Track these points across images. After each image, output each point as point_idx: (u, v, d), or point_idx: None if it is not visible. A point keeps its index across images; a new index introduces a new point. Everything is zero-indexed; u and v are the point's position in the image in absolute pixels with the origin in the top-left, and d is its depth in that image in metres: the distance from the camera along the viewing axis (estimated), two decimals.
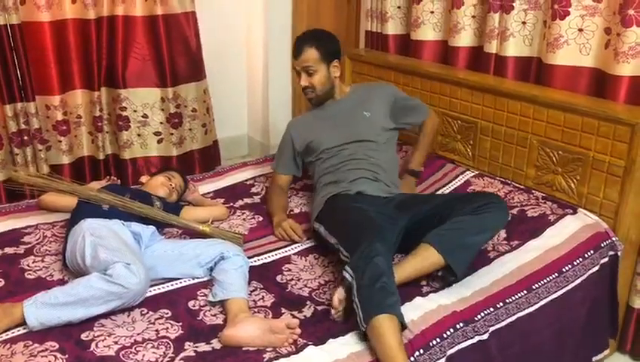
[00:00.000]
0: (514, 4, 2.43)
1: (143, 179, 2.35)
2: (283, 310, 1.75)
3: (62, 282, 1.85)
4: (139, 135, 3.07)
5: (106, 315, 1.65)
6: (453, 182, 2.48)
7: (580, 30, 2.26)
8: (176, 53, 3.08)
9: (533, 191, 2.29)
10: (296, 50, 2.28)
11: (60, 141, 2.90)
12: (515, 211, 2.17)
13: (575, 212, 2.14)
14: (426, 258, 1.80)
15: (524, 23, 2.44)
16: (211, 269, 1.87)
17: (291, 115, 3.64)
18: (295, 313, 1.74)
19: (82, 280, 1.64)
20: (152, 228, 1.99)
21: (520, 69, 2.50)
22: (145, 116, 3.06)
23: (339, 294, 1.67)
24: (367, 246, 1.67)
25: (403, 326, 1.58)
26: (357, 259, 1.66)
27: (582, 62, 2.28)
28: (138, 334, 1.61)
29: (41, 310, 1.59)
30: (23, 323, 1.59)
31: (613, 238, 2.07)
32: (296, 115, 3.61)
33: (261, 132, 3.71)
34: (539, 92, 2.30)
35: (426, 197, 2.33)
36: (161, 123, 3.11)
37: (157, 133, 3.11)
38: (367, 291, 1.58)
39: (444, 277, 1.83)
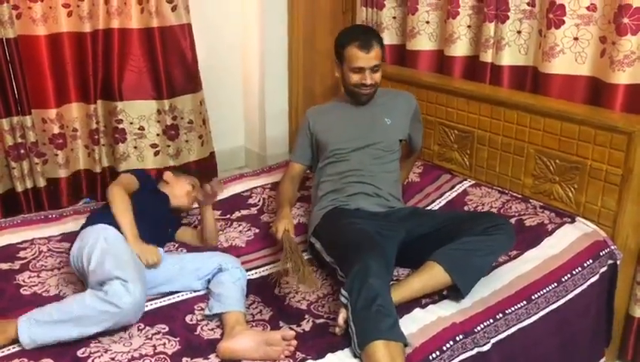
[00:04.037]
0: (509, 14, 2.43)
1: (167, 177, 2.28)
2: (281, 323, 1.74)
3: (58, 298, 1.83)
4: (135, 147, 3.06)
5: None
6: (451, 191, 2.47)
7: (576, 39, 2.26)
8: (172, 65, 3.07)
9: (531, 201, 2.29)
10: (367, 45, 2.13)
11: (57, 154, 2.89)
12: (513, 221, 2.17)
13: (573, 221, 2.14)
14: (433, 276, 1.79)
15: (519, 32, 2.45)
16: (209, 281, 1.86)
17: (288, 125, 3.64)
18: (293, 326, 1.73)
19: (77, 297, 1.63)
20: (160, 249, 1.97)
21: (516, 78, 2.50)
22: (141, 128, 3.05)
23: (343, 314, 1.64)
24: (362, 266, 1.64)
25: (406, 344, 1.56)
26: (351, 280, 1.63)
27: (578, 71, 2.29)
28: (135, 350, 1.59)
29: (35, 328, 1.57)
30: (17, 340, 1.58)
31: (612, 247, 2.07)
32: (292, 126, 3.61)
33: (258, 143, 3.70)
34: (535, 101, 2.31)
35: (429, 212, 2.31)
36: (158, 135, 3.10)
37: (153, 145, 3.10)
38: (361, 315, 1.56)
39: (448, 297, 1.81)
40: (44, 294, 1.86)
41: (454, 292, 1.80)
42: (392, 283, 1.89)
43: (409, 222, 2.05)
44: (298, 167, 2.37)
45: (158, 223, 2.08)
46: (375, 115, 2.29)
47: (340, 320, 1.64)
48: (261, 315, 1.78)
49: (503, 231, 1.88)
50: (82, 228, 1.94)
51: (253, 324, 1.73)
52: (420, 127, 2.46)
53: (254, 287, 1.90)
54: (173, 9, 2.99)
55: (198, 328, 1.72)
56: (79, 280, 1.92)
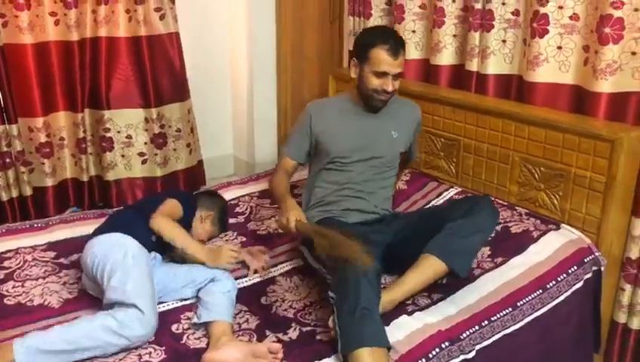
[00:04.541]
0: (494, 23, 2.46)
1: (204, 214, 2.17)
2: (268, 332, 1.74)
3: (42, 308, 1.82)
4: (123, 156, 3.05)
5: None
6: (437, 199, 2.49)
7: (559, 48, 2.29)
8: (160, 74, 3.07)
9: (517, 208, 2.30)
10: (396, 51, 1.99)
11: (43, 163, 2.87)
12: (498, 228, 2.18)
13: (558, 228, 2.16)
14: (428, 267, 1.80)
15: (504, 41, 2.47)
16: (199, 291, 1.86)
17: (277, 134, 3.64)
18: (280, 335, 1.72)
19: (84, 327, 1.56)
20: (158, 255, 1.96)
21: (501, 87, 2.53)
22: (129, 137, 3.04)
23: (333, 316, 1.63)
24: (350, 268, 1.64)
25: (389, 348, 1.57)
26: (338, 282, 1.64)
27: (562, 80, 2.31)
28: (120, 359, 1.58)
29: (34, 356, 1.50)
30: None
31: (597, 254, 2.09)
32: (281, 134, 3.61)
33: (246, 151, 3.70)
34: (520, 109, 2.33)
35: (411, 212, 2.34)
36: (146, 143, 3.09)
37: (141, 154, 3.09)
38: (347, 319, 1.56)
39: (448, 284, 1.83)
40: (28, 304, 1.84)
41: (452, 277, 1.82)
42: (389, 282, 1.91)
43: (394, 224, 2.07)
44: (292, 163, 2.21)
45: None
46: (383, 125, 2.17)
47: (331, 323, 1.64)
48: (247, 324, 1.78)
49: (484, 208, 1.91)
50: (100, 231, 1.90)
51: (240, 333, 1.73)
52: (416, 139, 2.38)
53: (241, 296, 1.89)
54: (161, 18, 2.99)
55: (184, 337, 1.71)
56: (64, 290, 1.90)
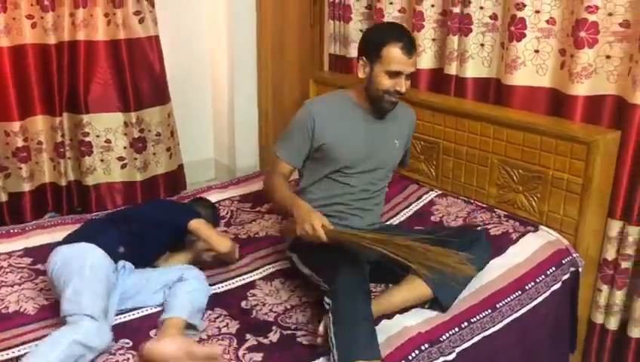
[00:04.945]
0: (472, 27, 2.48)
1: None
2: (248, 336, 1.73)
3: (18, 314, 1.79)
4: (102, 160, 3.02)
5: None
6: (418, 201, 2.50)
7: (537, 51, 2.32)
8: (140, 78, 3.05)
9: (496, 210, 2.32)
10: (410, 49, 1.87)
11: (20, 168, 2.83)
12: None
13: (537, 229, 2.18)
14: (414, 289, 1.79)
15: (482, 45, 2.50)
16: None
17: (258, 137, 3.63)
18: (260, 339, 1.72)
19: (53, 351, 1.51)
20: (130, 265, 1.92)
21: (480, 90, 2.55)
22: (108, 141, 3.01)
23: (325, 321, 1.62)
24: (346, 278, 1.62)
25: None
26: (338, 290, 1.61)
27: (539, 83, 2.34)
28: None
29: None
30: None
31: (574, 255, 2.11)
32: (262, 137, 3.60)
33: (227, 155, 3.69)
34: (498, 112, 2.35)
35: (406, 229, 2.23)
36: (125, 148, 3.06)
37: (120, 158, 3.06)
38: (343, 329, 1.55)
39: (432, 308, 1.82)
40: (3, 311, 1.81)
41: (436, 305, 1.81)
42: (377, 292, 1.91)
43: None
44: (289, 168, 1.98)
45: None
46: (387, 132, 2.04)
47: (322, 329, 1.63)
48: (227, 329, 1.76)
49: (480, 245, 1.91)
50: (68, 239, 1.88)
51: (220, 338, 1.72)
52: (409, 146, 2.27)
53: (221, 301, 1.88)
54: (141, 21, 2.98)
55: None
56: (41, 296, 1.88)
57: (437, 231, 2.06)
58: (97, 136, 2.99)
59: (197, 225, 2.00)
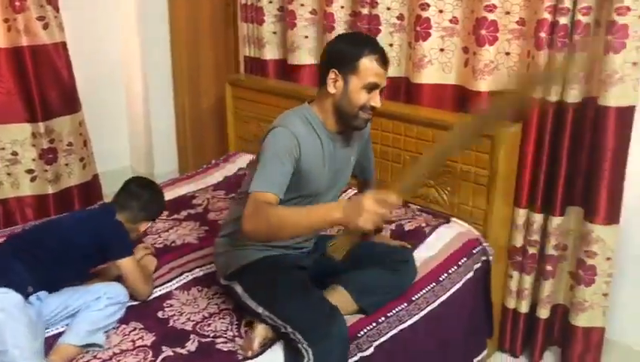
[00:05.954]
0: (380, 28, 2.54)
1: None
2: (164, 348, 1.69)
3: None
4: (9, 174, 2.88)
5: None
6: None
7: (442, 50, 2.40)
8: (47, 86, 2.93)
9: (410, 205, 2.39)
10: (386, 60, 1.73)
11: None
12: (393, 226, 2.25)
13: (448, 221, 2.26)
14: (337, 300, 1.76)
15: (391, 45, 2.55)
16: None
17: (176, 142, 3.56)
18: (178, 349, 1.69)
19: None
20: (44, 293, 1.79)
21: (391, 89, 2.59)
22: (15, 153, 2.88)
23: (260, 338, 1.63)
24: (326, 323, 1.60)
25: None
26: (317, 337, 1.58)
27: (445, 80, 2.43)
28: None
29: None
30: None
31: (484, 244, 2.20)
32: (180, 142, 3.53)
33: (144, 163, 3.60)
34: (408, 110, 2.42)
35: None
36: (34, 160, 2.93)
37: (29, 171, 2.93)
38: None
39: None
40: None
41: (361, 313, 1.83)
42: None
43: (321, 247, 1.90)
44: (275, 199, 1.62)
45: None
46: (348, 150, 1.88)
47: (256, 344, 1.62)
48: (142, 341, 1.72)
49: (407, 268, 1.95)
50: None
51: (134, 352, 1.67)
52: (370, 156, 2.08)
53: (135, 313, 1.84)
54: (45, 27, 2.86)
55: None
56: None
57: (370, 247, 1.99)
58: (3, 149, 2.86)
59: (127, 268, 1.86)
